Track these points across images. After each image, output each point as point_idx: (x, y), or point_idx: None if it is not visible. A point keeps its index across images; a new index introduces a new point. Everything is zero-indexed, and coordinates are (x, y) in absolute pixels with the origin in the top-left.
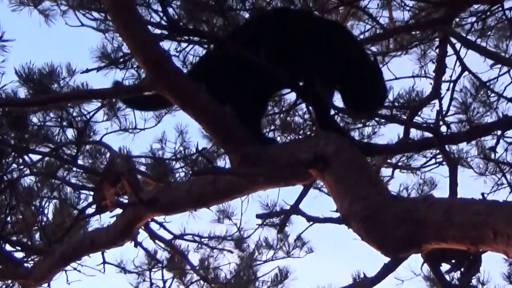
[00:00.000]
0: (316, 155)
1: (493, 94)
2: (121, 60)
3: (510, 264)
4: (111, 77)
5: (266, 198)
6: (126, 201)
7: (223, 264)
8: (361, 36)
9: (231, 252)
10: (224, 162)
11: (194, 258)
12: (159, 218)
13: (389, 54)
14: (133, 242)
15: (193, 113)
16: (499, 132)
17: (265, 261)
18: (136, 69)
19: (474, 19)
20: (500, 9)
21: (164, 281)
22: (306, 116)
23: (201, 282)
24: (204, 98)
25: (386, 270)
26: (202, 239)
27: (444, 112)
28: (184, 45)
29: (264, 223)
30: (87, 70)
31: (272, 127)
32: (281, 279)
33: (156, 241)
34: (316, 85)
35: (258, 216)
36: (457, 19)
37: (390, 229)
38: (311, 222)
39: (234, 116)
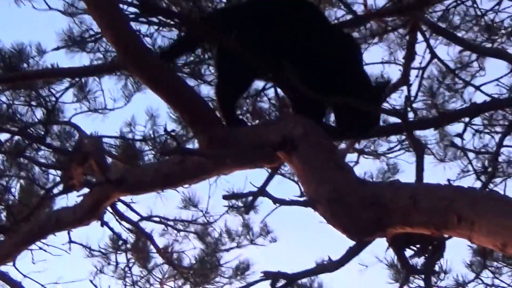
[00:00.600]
0: (284, 138)
1: (460, 81)
2: (89, 41)
3: (473, 252)
4: (78, 60)
5: (232, 185)
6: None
7: (188, 249)
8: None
9: (197, 234)
10: (193, 146)
11: (161, 241)
12: (126, 199)
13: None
14: (99, 222)
15: (162, 94)
16: (466, 119)
17: (230, 249)
18: (103, 52)
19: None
20: None
21: (128, 261)
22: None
23: (165, 266)
24: (174, 79)
25: (351, 254)
26: (169, 222)
27: (412, 98)
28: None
29: (231, 206)
30: (58, 48)
31: (240, 112)
32: (244, 267)
33: (123, 222)
34: (287, 71)
35: (225, 197)
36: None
37: (356, 212)
38: (278, 205)
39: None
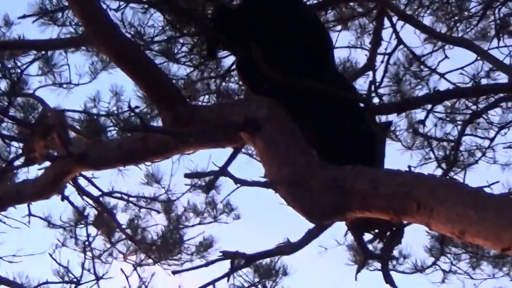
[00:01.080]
0: (248, 119)
1: (426, 69)
2: (56, 10)
3: (432, 237)
4: (49, 33)
5: (196, 164)
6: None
7: (150, 225)
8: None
9: (158, 212)
10: (157, 124)
11: (123, 218)
12: (88, 174)
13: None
14: (60, 196)
15: (128, 70)
16: (429, 107)
17: (193, 225)
18: (73, 26)
19: None
20: None
21: (88, 236)
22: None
23: (128, 241)
24: (140, 56)
25: (310, 236)
26: (131, 198)
27: (377, 84)
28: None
29: (193, 185)
30: (24, 16)
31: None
32: (206, 245)
33: (85, 197)
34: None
35: (186, 175)
36: None
37: (317, 195)
38: (239, 185)
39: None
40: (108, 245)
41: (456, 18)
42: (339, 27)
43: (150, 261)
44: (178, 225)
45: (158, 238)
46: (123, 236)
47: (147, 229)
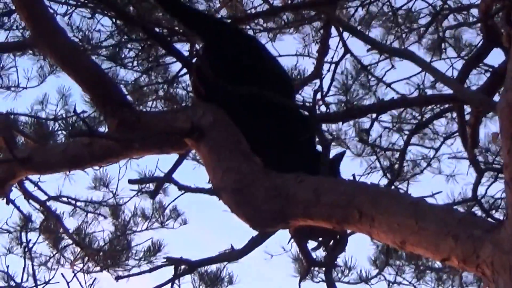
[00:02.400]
0: (193, 125)
1: (373, 78)
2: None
3: (377, 247)
4: None
5: (144, 168)
6: None
7: (98, 231)
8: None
9: (105, 217)
10: (106, 129)
11: (70, 222)
12: (34, 178)
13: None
14: (5, 199)
15: (73, 74)
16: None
17: (141, 231)
18: (21, 30)
19: (359, 3)
20: None
21: (28, 241)
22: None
23: (75, 248)
24: (85, 61)
25: (253, 244)
26: (78, 203)
27: (325, 93)
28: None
29: (140, 190)
30: None
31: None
32: (154, 250)
33: (31, 201)
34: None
35: (130, 181)
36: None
37: (260, 203)
38: (183, 191)
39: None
40: (55, 251)
41: (405, 29)
42: (288, 31)
43: (97, 268)
44: (125, 230)
45: (105, 243)
46: (70, 242)
47: (95, 235)
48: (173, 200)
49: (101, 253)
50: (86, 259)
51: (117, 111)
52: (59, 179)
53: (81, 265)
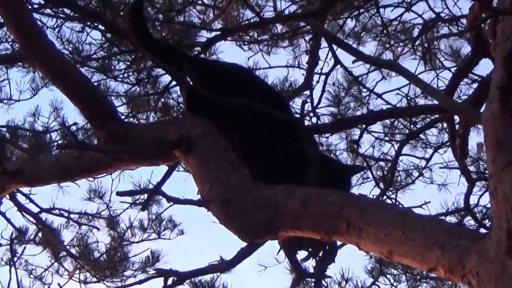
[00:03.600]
0: (181, 137)
1: (364, 89)
2: None
3: (371, 257)
4: None
5: (139, 179)
6: None
7: (93, 242)
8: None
9: (97, 229)
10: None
11: (65, 235)
12: (26, 190)
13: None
14: None
15: (62, 87)
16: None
17: (138, 242)
18: (10, 43)
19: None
20: (374, 6)
21: (14, 253)
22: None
23: (72, 260)
24: (75, 73)
25: (243, 254)
26: (71, 215)
27: (315, 104)
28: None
29: (133, 202)
30: None
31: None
32: (152, 261)
33: (25, 214)
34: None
35: (118, 193)
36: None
37: (248, 214)
38: (171, 203)
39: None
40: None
41: (396, 40)
42: (279, 44)
43: (95, 279)
44: (121, 242)
45: (101, 255)
46: (64, 253)
47: (91, 247)
48: (162, 212)
49: (97, 264)
50: (82, 270)
51: (106, 123)
52: (52, 191)
53: (79, 276)
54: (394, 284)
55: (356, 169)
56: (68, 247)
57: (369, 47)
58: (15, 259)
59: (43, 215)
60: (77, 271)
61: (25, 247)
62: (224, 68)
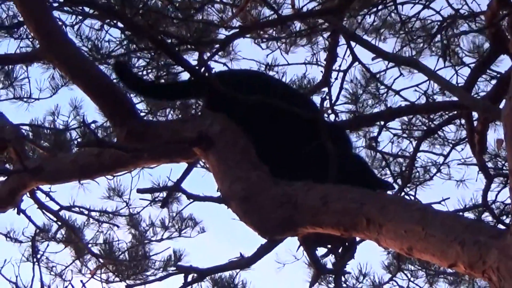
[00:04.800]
0: (201, 134)
1: (382, 86)
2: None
3: (388, 253)
4: (5, 46)
5: (158, 177)
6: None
7: (114, 240)
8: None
9: (118, 227)
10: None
11: (88, 233)
12: (46, 188)
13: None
14: (16, 209)
15: (82, 85)
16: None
17: (159, 240)
18: (31, 39)
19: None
20: (392, 3)
21: (37, 251)
22: None
23: (93, 258)
24: (94, 71)
25: (263, 251)
26: (91, 213)
27: (333, 101)
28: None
29: (153, 199)
30: None
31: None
32: (174, 260)
33: (45, 212)
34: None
35: (139, 190)
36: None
37: (268, 211)
38: (191, 200)
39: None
40: (69, 261)
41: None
42: (298, 42)
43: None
44: (143, 240)
45: (122, 253)
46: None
47: (112, 245)
48: (182, 209)
49: (119, 264)
50: (104, 269)
51: (126, 121)
52: (72, 188)
53: (100, 275)
54: (412, 279)
55: (388, 186)
56: (89, 245)
57: (388, 45)
58: (37, 256)
59: (64, 213)
60: (99, 270)
61: (48, 245)
62: (239, 73)
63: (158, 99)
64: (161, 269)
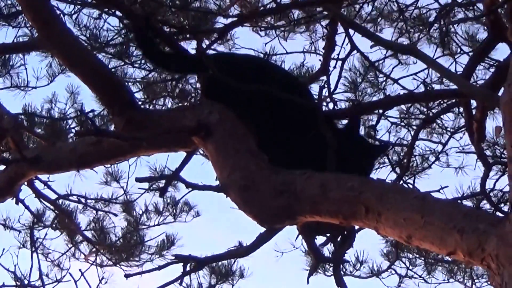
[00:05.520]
0: (199, 123)
1: (381, 75)
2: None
3: (386, 241)
4: (3, 35)
5: (155, 163)
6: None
7: (109, 226)
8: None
9: (115, 215)
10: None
11: (82, 219)
12: (44, 177)
13: (291, 30)
14: (14, 199)
15: (81, 74)
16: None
17: (153, 226)
18: (29, 28)
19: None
20: None
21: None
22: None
23: (88, 244)
24: (93, 60)
25: (261, 240)
26: (88, 201)
27: (332, 89)
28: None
29: (149, 188)
30: None
31: (164, 94)
32: (168, 244)
33: (43, 200)
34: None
35: (137, 179)
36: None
37: (267, 200)
38: (190, 189)
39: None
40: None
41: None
42: (297, 30)
43: (111, 262)
44: (137, 226)
45: (117, 239)
46: (81, 238)
47: (107, 230)
48: (182, 197)
49: (113, 248)
50: (99, 253)
51: (124, 110)
52: (70, 176)
53: (96, 259)
54: (410, 267)
55: (383, 148)
56: (85, 231)
57: (386, 33)
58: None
59: (61, 201)
60: (93, 255)
61: (46, 233)
62: (239, 58)
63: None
64: (156, 254)
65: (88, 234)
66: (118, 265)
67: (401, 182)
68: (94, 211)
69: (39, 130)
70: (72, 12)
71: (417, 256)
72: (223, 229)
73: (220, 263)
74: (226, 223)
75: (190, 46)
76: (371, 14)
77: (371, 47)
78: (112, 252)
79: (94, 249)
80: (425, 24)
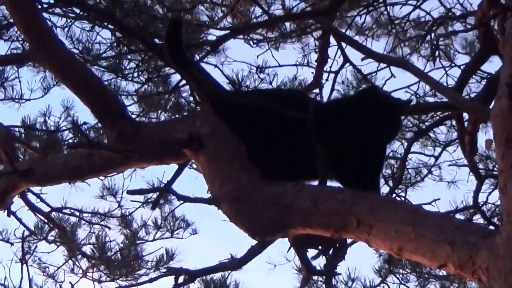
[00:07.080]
0: (191, 136)
1: None
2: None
3: (379, 255)
4: None
5: (151, 178)
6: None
7: (107, 241)
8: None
9: (109, 228)
10: None
11: (80, 233)
12: (37, 190)
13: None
14: (6, 212)
15: (72, 86)
16: None
17: (151, 240)
18: (21, 41)
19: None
20: (382, 4)
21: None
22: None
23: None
24: (84, 72)
25: (253, 253)
26: (83, 214)
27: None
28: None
29: (146, 201)
30: None
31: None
32: (166, 259)
33: (36, 213)
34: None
35: (129, 192)
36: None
37: (259, 212)
38: (182, 201)
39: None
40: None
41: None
42: (288, 40)
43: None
44: (135, 240)
45: (114, 254)
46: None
47: (104, 245)
48: (172, 211)
49: (111, 263)
50: (96, 269)
51: (116, 122)
52: (64, 189)
53: (92, 275)
54: (403, 282)
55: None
56: (81, 246)
57: (378, 45)
58: (27, 257)
59: (55, 214)
60: (91, 270)
61: (36, 246)
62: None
63: None
64: (153, 269)
65: (86, 249)
66: (115, 281)
67: (394, 195)
68: (90, 226)
69: (34, 143)
70: (65, 25)
71: (410, 271)
72: (218, 243)
73: (214, 277)
74: (221, 237)
75: None
76: (362, 27)
77: (362, 59)
78: (109, 267)
79: (91, 264)
80: (417, 37)
